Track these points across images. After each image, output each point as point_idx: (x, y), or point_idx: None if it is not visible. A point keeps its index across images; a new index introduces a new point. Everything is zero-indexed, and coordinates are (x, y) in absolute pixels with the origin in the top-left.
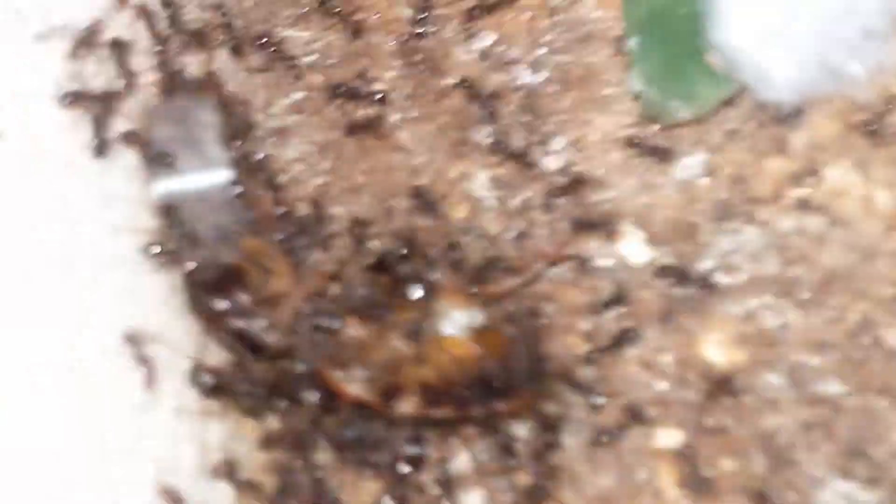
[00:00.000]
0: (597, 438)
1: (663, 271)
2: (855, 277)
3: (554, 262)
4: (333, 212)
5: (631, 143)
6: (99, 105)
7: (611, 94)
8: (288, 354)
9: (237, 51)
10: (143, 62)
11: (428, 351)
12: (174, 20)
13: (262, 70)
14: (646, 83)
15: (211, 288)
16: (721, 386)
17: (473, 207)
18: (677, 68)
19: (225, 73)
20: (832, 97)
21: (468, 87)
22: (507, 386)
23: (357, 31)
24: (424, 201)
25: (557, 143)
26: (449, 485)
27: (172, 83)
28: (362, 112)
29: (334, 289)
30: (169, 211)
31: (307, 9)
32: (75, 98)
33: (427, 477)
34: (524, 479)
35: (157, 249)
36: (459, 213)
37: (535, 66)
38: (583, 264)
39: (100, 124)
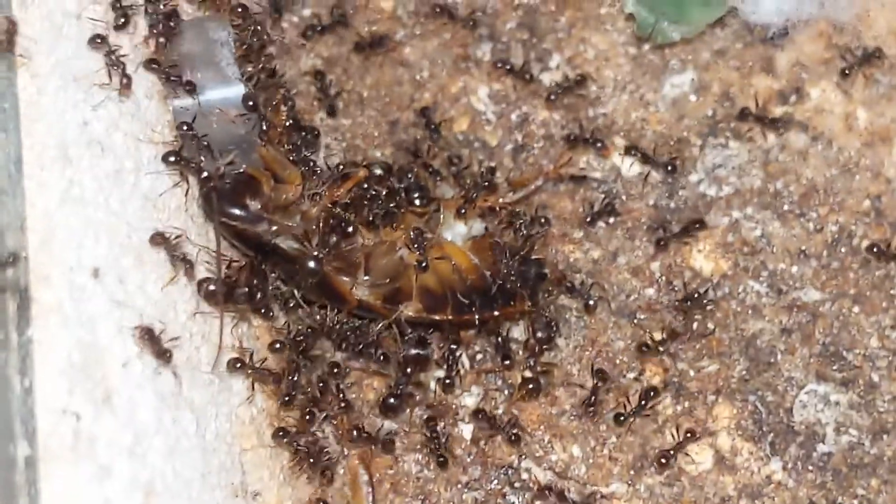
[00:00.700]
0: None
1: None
2: (834, 191)
3: (552, 180)
4: (341, 124)
5: None
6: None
7: (606, 14)
8: (298, 260)
9: None
10: None
11: (429, 259)
12: None
13: None
14: (639, 4)
15: (226, 195)
16: (700, 294)
17: (474, 121)
18: None
19: None
20: (816, 19)
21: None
22: (505, 292)
23: None
24: (427, 122)
25: (554, 60)
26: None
27: None
28: (367, 30)
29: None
30: (186, 124)
31: None
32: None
33: (428, 376)
34: (519, 378)
35: (174, 158)
36: (460, 126)
37: None
38: (578, 178)
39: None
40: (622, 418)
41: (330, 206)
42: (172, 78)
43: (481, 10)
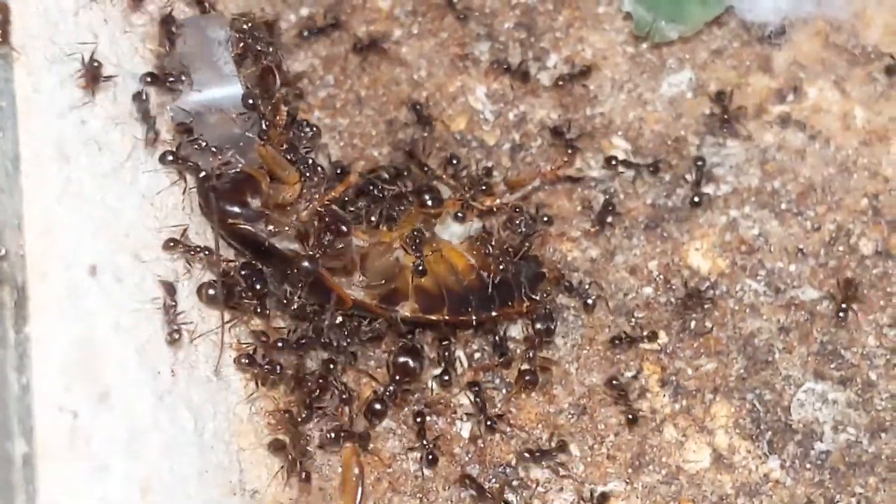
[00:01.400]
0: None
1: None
2: (832, 189)
3: (550, 180)
4: (339, 123)
5: None
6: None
7: (604, 13)
8: (293, 260)
9: None
10: None
11: (426, 259)
12: None
13: None
14: (637, 3)
15: (223, 194)
16: (699, 292)
17: (471, 120)
18: None
19: None
20: (814, 18)
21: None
22: (502, 292)
23: None
24: (419, 115)
25: (552, 59)
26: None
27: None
28: (365, 30)
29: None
30: (185, 123)
31: None
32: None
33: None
34: (515, 374)
35: (171, 158)
36: (458, 125)
37: None
38: (576, 180)
39: None
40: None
41: (324, 206)
42: (173, 88)
43: (478, 9)
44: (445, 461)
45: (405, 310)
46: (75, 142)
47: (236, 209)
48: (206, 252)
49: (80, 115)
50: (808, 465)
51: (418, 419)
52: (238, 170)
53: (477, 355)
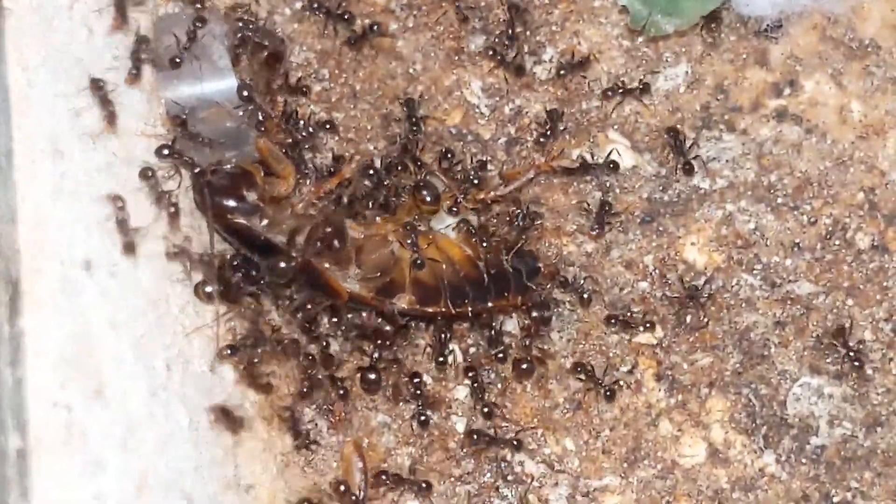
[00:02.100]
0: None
1: None
2: (828, 183)
3: (545, 172)
4: (334, 117)
5: None
6: None
7: (599, 7)
8: (289, 252)
9: None
10: None
11: (423, 253)
12: None
13: None
14: None
15: (219, 188)
16: (696, 290)
17: (467, 114)
18: None
19: None
20: (810, 11)
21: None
22: (498, 285)
23: None
24: (409, 114)
25: (548, 52)
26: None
27: None
28: (360, 23)
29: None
30: (179, 117)
31: None
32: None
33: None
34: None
35: (167, 152)
36: (453, 119)
37: None
38: (570, 170)
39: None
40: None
41: (318, 200)
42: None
43: (474, 3)
44: (440, 456)
45: (402, 302)
46: (69, 137)
47: (232, 203)
48: (173, 209)
49: (73, 110)
50: (803, 460)
51: (415, 379)
52: (233, 164)
53: (472, 350)
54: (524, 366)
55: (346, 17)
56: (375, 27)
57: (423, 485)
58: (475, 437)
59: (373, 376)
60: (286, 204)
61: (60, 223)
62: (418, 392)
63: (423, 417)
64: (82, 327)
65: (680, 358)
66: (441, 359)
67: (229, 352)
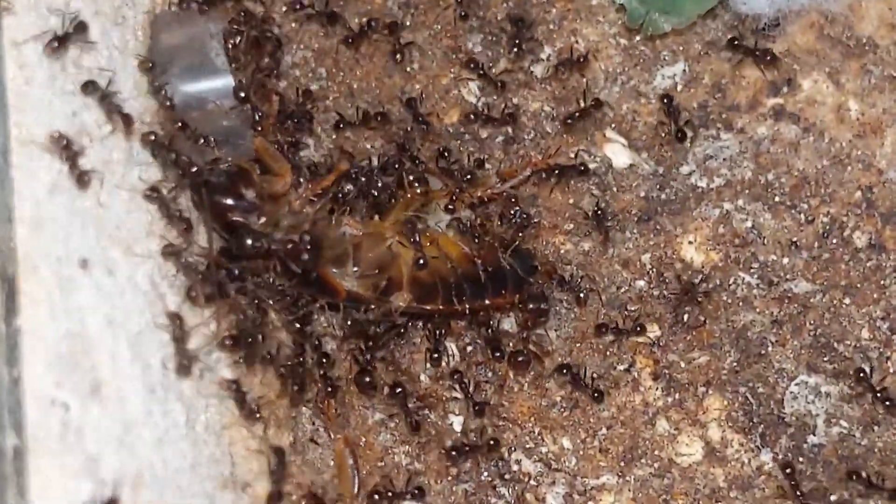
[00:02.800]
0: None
1: None
2: (825, 182)
3: (541, 170)
4: (332, 116)
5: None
6: None
7: (597, 5)
8: (286, 250)
9: None
10: None
11: (418, 249)
12: None
13: None
14: None
15: (217, 186)
16: (693, 287)
17: (464, 112)
18: None
19: None
20: (808, 10)
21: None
22: (495, 283)
23: None
24: (414, 113)
25: (545, 51)
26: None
27: None
28: (357, 21)
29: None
30: (177, 115)
31: None
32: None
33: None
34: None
35: (162, 149)
36: (451, 117)
37: None
38: (567, 169)
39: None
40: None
41: (315, 198)
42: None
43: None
44: (437, 455)
45: (400, 300)
46: (67, 135)
47: (231, 202)
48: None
49: (71, 109)
50: (801, 459)
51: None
52: (230, 162)
53: (469, 348)
54: (521, 358)
55: (330, 15)
56: (375, 23)
57: (417, 491)
58: (455, 453)
59: (367, 379)
60: (283, 201)
61: (57, 221)
62: (404, 400)
63: (413, 421)
64: (79, 325)
65: (677, 356)
66: (436, 356)
67: (230, 342)
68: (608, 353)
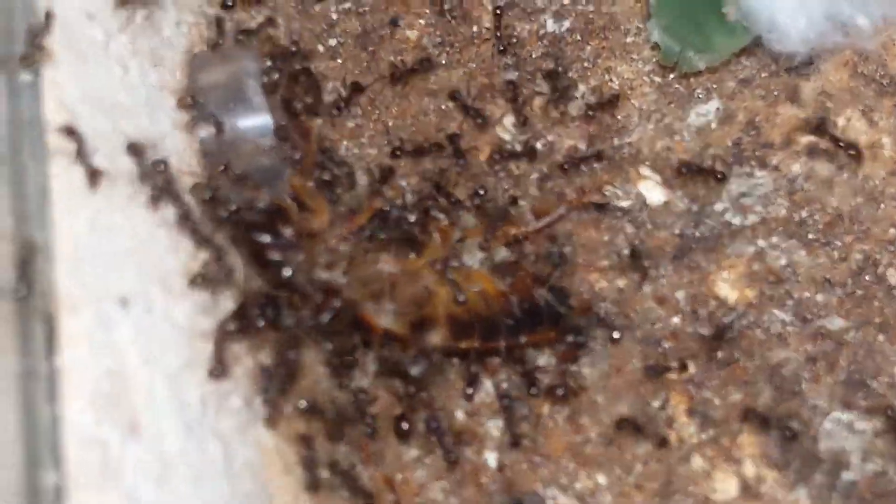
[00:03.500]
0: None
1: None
2: (859, 219)
3: (576, 208)
4: (366, 153)
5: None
6: None
7: (631, 43)
8: (323, 288)
9: None
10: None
11: (457, 284)
12: None
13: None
14: (665, 33)
15: (255, 224)
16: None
17: (498, 150)
18: (695, 19)
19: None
20: (841, 48)
21: (497, 36)
22: (531, 320)
23: None
24: (455, 148)
25: (580, 89)
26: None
27: (220, 32)
28: (398, 59)
29: (368, 227)
30: (214, 154)
31: None
32: None
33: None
34: (544, 405)
35: (202, 189)
36: (486, 154)
37: (559, 15)
38: (602, 207)
39: None
40: None
41: (351, 235)
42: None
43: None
44: (472, 491)
45: (436, 337)
46: (106, 173)
47: (269, 239)
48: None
49: (109, 148)
50: (835, 495)
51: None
52: (268, 200)
53: (505, 385)
54: (559, 392)
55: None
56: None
57: None
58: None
59: (405, 426)
60: (320, 239)
61: (96, 260)
62: (441, 436)
63: (450, 457)
64: (118, 363)
65: (712, 393)
66: (470, 392)
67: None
68: (643, 390)
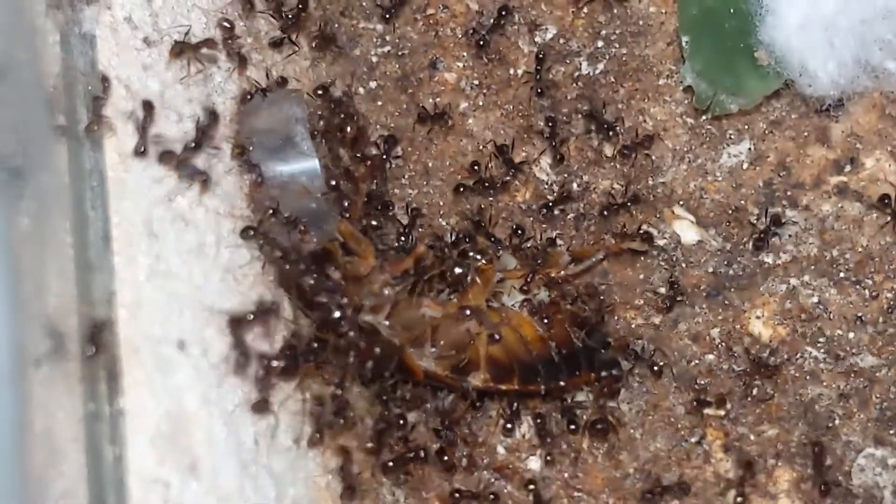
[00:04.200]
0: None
1: None
2: (889, 258)
3: (614, 254)
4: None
5: None
6: None
7: (664, 85)
8: (368, 332)
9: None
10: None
11: (498, 327)
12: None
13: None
14: (697, 76)
15: (302, 267)
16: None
17: (536, 190)
18: (727, 63)
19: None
20: (870, 91)
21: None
22: (569, 364)
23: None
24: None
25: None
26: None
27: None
28: (432, 101)
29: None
30: (264, 199)
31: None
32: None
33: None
34: (583, 441)
35: (252, 233)
36: (523, 195)
37: (593, 57)
38: (638, 251)
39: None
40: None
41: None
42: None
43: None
44: None
45: (476, 380)
46: (163, 220)
47: (315, 281)
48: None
49: (166, 193)
50: None
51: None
52: (314, 243)
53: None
54: (599, 426)
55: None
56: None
57: None
58: None
59: (447, 458)
60: (366, 283)
61: (155, 304)
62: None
63: (491, 492)
64: (177, 405)
65: (747, 429)
66: (510, 427)
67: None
68: (679, 426)
